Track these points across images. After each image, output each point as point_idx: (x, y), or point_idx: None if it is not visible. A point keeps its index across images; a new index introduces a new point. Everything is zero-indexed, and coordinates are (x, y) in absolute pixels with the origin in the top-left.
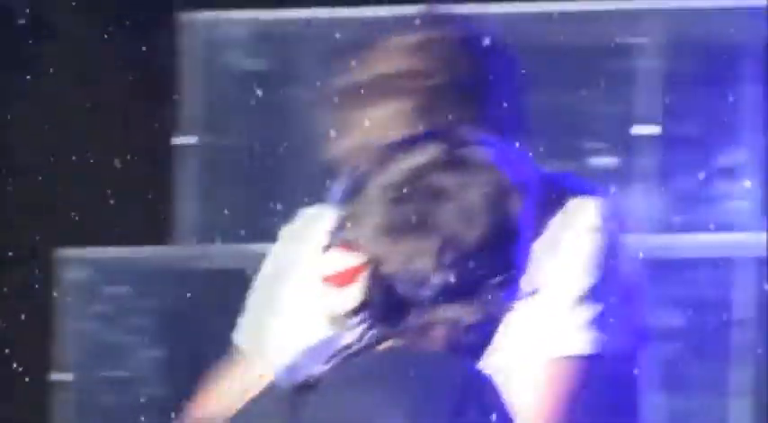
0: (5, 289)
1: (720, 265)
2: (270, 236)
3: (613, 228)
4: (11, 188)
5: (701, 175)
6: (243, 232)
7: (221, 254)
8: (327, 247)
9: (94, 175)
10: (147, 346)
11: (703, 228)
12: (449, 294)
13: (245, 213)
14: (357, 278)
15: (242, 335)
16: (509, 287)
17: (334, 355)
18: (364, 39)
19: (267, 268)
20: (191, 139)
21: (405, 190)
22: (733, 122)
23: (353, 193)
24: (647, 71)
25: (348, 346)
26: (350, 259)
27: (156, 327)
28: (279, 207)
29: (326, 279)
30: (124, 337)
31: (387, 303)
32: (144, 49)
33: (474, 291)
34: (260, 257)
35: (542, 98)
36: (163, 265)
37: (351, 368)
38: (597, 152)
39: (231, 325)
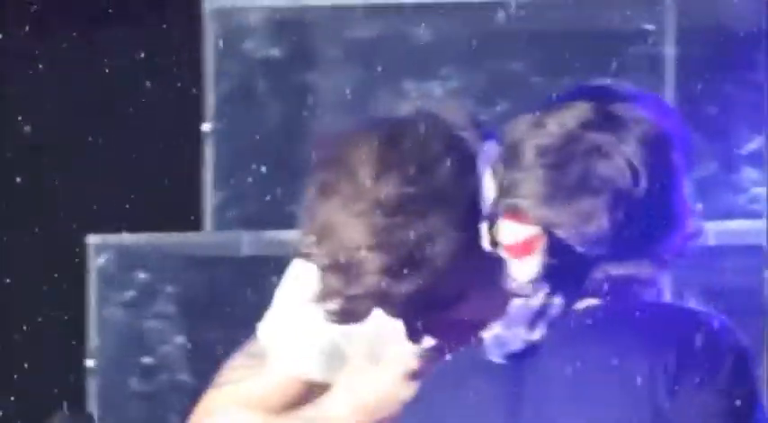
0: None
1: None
2: (295, 223)
3: None
4: (40, 177)
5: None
6: (268, 219)
7: (246, 241)
8: (494, 216)
9: (122, 162)
10: (172, 333)
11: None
12: (624, 250)
13: (272, 200)
14: (534, 248)
15: (267, 329)
16: (677, 236)
17: (535, 321)
18: (382, 27)
19: (298, 268)
20: (217, 126)
21: (562, 152)
22: (749, 109)
23: (509, 160)
24: (659, 58)
25: (546, 311)
26: (524, 230)
27: (181, 313)
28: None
29: (506, 248)
30: (150, 323)
31: (566, 267)
32: (168, 35)
33: (646, 243)
34: (285, 244)
35: (554, 83)
36: (189, 251)
37: (571, 330)
38: None
39: (257, 313)
